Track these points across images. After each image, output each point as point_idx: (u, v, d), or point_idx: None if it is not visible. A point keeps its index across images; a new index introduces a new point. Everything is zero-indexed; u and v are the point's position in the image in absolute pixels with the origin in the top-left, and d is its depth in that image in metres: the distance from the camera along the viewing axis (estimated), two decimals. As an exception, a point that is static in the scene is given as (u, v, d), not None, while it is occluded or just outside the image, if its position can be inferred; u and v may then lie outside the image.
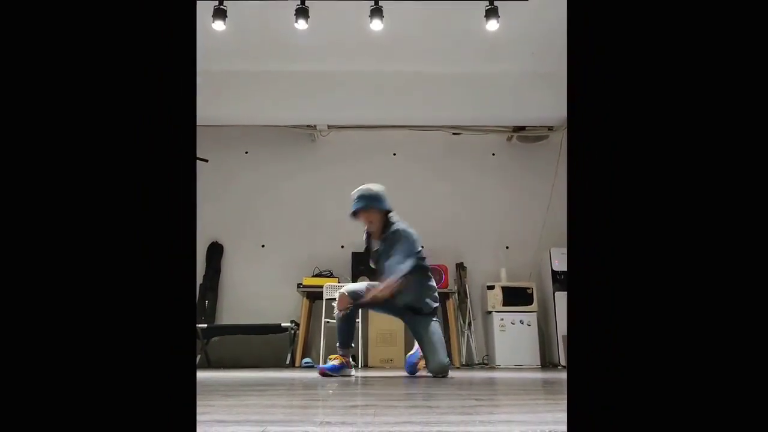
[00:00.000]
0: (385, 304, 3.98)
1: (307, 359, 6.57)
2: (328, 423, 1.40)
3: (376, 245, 4.10)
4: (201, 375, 4.27)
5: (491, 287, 6.88)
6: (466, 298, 7.12)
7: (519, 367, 6.24)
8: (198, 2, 5.38)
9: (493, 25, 5.55)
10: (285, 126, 7.67)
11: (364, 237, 4.22)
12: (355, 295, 3.92)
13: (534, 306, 6.77)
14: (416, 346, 4.22)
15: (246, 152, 7.96)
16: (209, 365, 6.64)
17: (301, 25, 5.51)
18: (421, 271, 3.97)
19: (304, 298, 6.89)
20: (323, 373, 3.82)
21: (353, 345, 4.10)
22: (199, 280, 7.39)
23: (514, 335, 6.61)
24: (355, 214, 3.97)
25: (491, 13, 5.47)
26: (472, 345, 6.98)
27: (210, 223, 7.53)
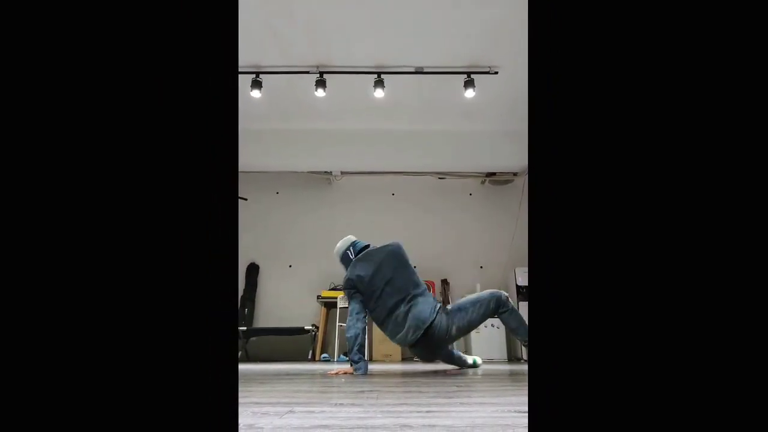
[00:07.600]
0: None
1: (324, 354, 6.55)
2: (341, 404, 1.39)
3: None
4: (242, 367, 4.24)
5: (469, 298, 6.84)
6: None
7: (490, 361, 6.16)
8: (240, 75, 5.45)
9: (470, 93, 5.60)
10: (307, 172, 7.70)
11: None
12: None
13: (503, 313, 6.72)
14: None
15: (277, 193, 7.98)
16: (248, 359, 6.58)
17: (320, 93, 5.57)
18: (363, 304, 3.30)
19: (322, 307, 6.85)
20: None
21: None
22: (240, 292, 7.36)
23: (486, 335, 6.55)
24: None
25: (469, 83, 5.53)
26: (453, 343, 6.92)
27: (249, 248, 7.54)
